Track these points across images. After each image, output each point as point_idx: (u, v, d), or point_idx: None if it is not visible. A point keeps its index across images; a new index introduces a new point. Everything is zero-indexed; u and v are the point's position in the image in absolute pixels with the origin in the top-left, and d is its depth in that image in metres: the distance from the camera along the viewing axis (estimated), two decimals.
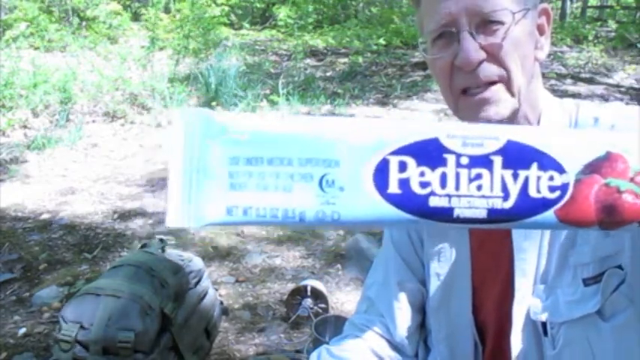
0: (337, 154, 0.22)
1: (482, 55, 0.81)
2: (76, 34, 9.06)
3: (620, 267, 0.82)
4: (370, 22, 9.63)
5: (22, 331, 2.37)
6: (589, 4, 13.61)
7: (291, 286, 2.65)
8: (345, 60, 8.76)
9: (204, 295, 2.15)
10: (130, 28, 9.53)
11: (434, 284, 1.01)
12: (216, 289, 2.38)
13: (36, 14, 8.94)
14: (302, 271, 2.87)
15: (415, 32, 7.93)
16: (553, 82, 7.21)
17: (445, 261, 0.99)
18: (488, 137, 0.23)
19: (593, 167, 0.23)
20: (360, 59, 8.25)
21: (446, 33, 0.82)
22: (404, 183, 0.22)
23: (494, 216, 0.23)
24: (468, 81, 0.83)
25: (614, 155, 0.23)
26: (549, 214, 0.23)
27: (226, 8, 7.75)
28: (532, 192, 0.23)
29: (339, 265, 2.90)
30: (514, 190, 0.23)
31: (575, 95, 6.54)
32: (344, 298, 2.61)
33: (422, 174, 0.23)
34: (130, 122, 5.84)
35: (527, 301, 0.88)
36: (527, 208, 0.23)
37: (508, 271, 0.91)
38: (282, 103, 6.32)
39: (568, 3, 12.50)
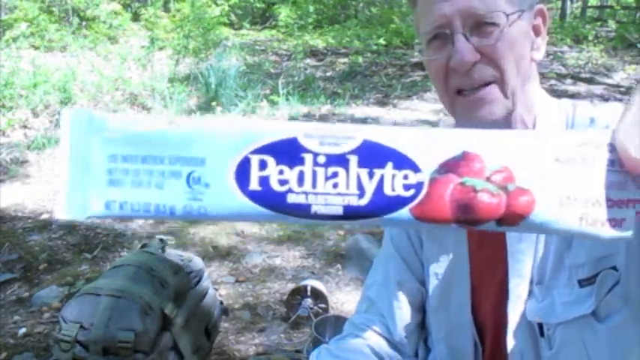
0: (203, 153, 0.24)
1: (477, 56, 0.81)
2: (76, 34, 9.06)
3: (614, 268, 0.82)
4: (370, 22, 9.64)
5: (22, 331, 2.37)
6: (589, 4, 13.61)
7: (291, 286, 2.65)
8: (345, 60, 8.76)
9: (205, 295, 2.15)
10: (130, 28, 9.53)
11: (433, 284, 1.01)
12: (216, 289, 2.38)
13: (36, 14, 8.94)
14: (302, 271, 2.87)
15: (415, 32, 7.93)
16: (553, 82, 7.21)
17: (444, 261, 1.00)
18: (345, 137, 0.24)
19: (450, 166, 0.24)
20: (360, 59, 8.25)
21: (440, 35, 0.83)
22: (264, 180, 0.24)
23: (350, 212, 0.25)
24: (462, 82, 0.83)
25: (471, 155, 0.23)
26: (404, 212, 0.24)
27: (226, 8, 7.74)
28: (387, 190, 0.24)
29: (339, 265, 2.91)
30: (369, 188, 0.24)
31: (575, 95, 6.54)
32: (344, 298, 2.61)
33: (281, 172, 0.24)
34: None
35: (522, 302, 0.88)
36: (383, 206, 0.24)
37: (504, 271, 0.91)
38: (282, 103, 6.32)
39: (568, 3, 12.50)
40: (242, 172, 0.24)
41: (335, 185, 0.24)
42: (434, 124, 5.56)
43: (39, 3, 9.48)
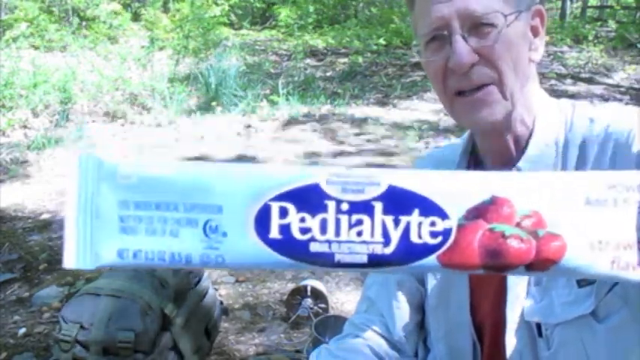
0: (220, 200, 0.23)
1: (475, 57, 0.81)
2: (76, 34, 9.06)
3: None
4: (370, 22, 9.65)
5: (22, 331, 2.37)
6: (589, 4, 13.61)
7: (291, 286, 2.65)
8: (345, 60, 8.76)
9: (204, 295, 2.15)
10: (130, 28, 9.54)
11: (432, 284, 1.01)
12: (216, 289, 2.38)
13: (36, 14, 8.94)
14: (302, 271, 2.87)
15: (413, 33, 7.93)
16: (553, 82, 7.21)
17: None
18: (369, 183, 0.23)
19: (478, 212, 0.23)
20: (360, 59, 8.25)
21: (438, 36, 0.83)
22: (285, 229, 0.22)
23: (375, 261, 0.23)
24: (461, 84, 0.83)
25: (500, 199, 0.22)
26: (432, 259, 0.23)
27: (226, 8, 7.74)
28: (414, 238, 0.22)
29: None
30: (395, 235, 0.23)
31: (575, 95, 6.54)
32: (344, 298, 2.61)
33: (302, 220, 0.23)
34: (130, 122, 5.84)
35: (520, 302, 0.89)
36: (409, 254, 0.22)
37: None
38: (282, 103, 6.32)
39: (568, 3, 12.50)
40: (262, 220, 0.22)
41: (359, 233, 0.23)
42: (434, 124, 5.56)
43: (39, 3, 9.49)
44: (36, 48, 8.36)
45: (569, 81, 7.36)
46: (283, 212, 0.22)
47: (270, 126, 5.75)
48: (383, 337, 1.05)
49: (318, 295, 2.44)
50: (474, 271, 0.25)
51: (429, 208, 0.22)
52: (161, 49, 7.95)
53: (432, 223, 0.23)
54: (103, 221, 0.24)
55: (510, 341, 0.90)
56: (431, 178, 0.24)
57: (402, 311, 1.04)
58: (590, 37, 9.40)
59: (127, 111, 5.98)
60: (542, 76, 6.87)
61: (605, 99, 6.45)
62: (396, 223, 0.22)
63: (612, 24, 10.61)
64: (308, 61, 8.77)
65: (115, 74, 6.54)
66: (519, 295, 0.88)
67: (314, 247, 0.22)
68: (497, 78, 0.82)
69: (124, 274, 1.95)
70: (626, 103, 6.31)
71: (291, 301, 2.46)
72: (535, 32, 0.88)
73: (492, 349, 0.95)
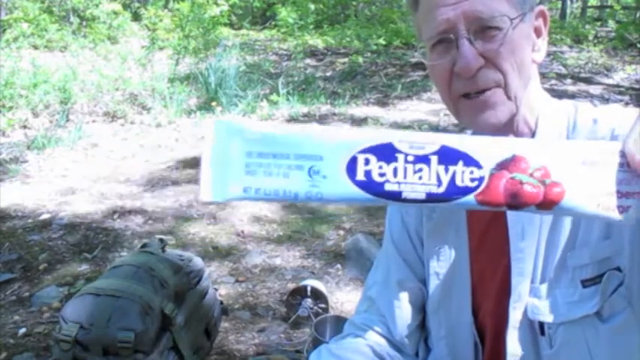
0: (321, 152, 0.31)
1: (481, 61, 0.82)
2: (76, 34, 9.07)
3: (618, 269, 0.83)
4: (370, 22, 9.64)
5: (22, 331, 2.37)
6: (589, 4, 13.61)
7: (291, 286, 2.65)
8: (345, 60, 8.76)
9: (205, 295, 2.15)
10: (129, 28, 9.54)
11: (433, 283, 1.01)
12: (216, 289, 2.37)
13: (36, 14, 8.95)
14: (302, 271, 2.87)
15: (414, 33, 7.93)
16: (553, 82, 7.21)
17: (445, 260, 1.00)
18: (428, 142, 0.31)
19: (503, 165, 0.31)
20: (360, 59, 8.25)
21: (444, 39, 0.83)
22: (367, 173, 0.31)
23: (430, 198, 0.32)
24: (467, 87, 0.84)
25: (519, 157, 0.31)
26: (470, 198, 0.31)
27: (225, 8, 7.74)
28: (458, 182, 0.31)
29: (339, 265, 2.91)
30: (445, 180, 0.31)
31: (575, 95, 6.54)
32: (344, 298, 2.61)
33: (380, 167, 0.31)
34: (130, 122, 5.84)
35: (524, 301, 0.89)
36: (455, 193, 0.31)
37: (505, 270, 0.91)
38: (282, 102, 6.32)
39: (568, 3, 12.50)
40: (351, 167, 0.31)
41: (420, 177, 0.31)
42: (434, 124, 5.56)
43: (39, 3, 9.49)
44: (36, 48, 8.36)
45: (569, 81, 7.35)
46: (367, 161, 0.31)
47: None
48: (384, 336, 1.05)
49: (318, 295, 2.44)
50: (500, 209, 0.33)
51: (470, 161, 0.31)
52: (161, 49, 7.94)
53: (471, 172, 0.31)
54: (233, 167, 0.32)
55: (512, 340, 0.90)
56: (470, 140, 0.32)
57: (403, 311, 1.04)
58: (590, 37, 9.40)
59: (127, 111, 5.98)
60: (542, 76, 6.86)
61: (605, 99, 6.45)
62: (446, 170, 0.31)
63: (612, 24, 10.61)
64: (308, 61, 8.77)
65: (115, 74, 6.54)
66: (522, 294, 0.89)
67: (388, 187, 0.31)
68: (502, 81, 0.83)
69: (123, 274, 1.95)
70: (626, 103, 6.32)
71: (291, 301, 2.46)
72: (538, 33, 0.89)
73: (493, 348, 0.95)
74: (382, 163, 0.30)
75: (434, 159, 0.29)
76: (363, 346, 1.03)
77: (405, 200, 0.30)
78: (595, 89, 6.93)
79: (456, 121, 5.12)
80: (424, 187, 0.30)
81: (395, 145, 0.30)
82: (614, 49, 8.91)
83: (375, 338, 1.05)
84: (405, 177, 0.30)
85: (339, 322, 2.12)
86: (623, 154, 0.32)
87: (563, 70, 7.86)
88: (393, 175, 0.30)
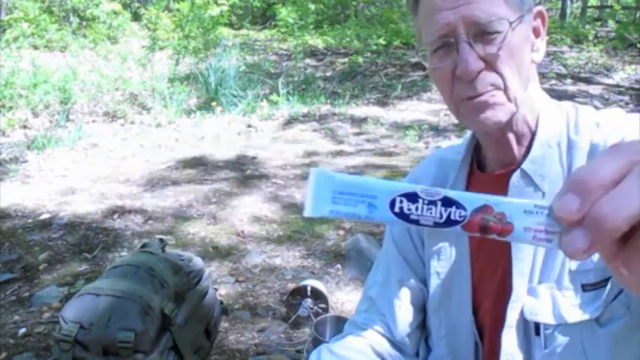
0: (376, 193, 0.48)
1: (481, 64, 0.82)
2: (76, 34, 9.07)
3: None
4: (370, 22, 9.64)
5: (22, 331, 2.37)
6: (589, 4, 13.62)
7: (291, 286, 2.65)
8: (345, 60, 8.76)
9: (205, 295, 2.15)
10: (129, 28, 9.54)
11: (434, 283, 1.02)
12: (216, 289, 2.38)
13: (36, 14, 8.95)
14: (302, 271, 2.87)
15: (414, 35, 7.92)
16: (553, 82, 7.21)
17: (445, 260, 1.00)
18: (436, 193, 0.47)
19: (478, 209, 0.47)
20: (360, 59, 8.25)
21: (445, 43, 0.84)
22: (400, 208, 0.48)
23: (435, 225, 0.48)
24: (468, 91, 0.84)
25: (488, 205, 0.46)
26: (458, 227, 0.47)
27: (225, 8, 7.74)
28: (452, 217, 0.47)
29: (339, 265, 2.91)
30: (444, 215, 0.47)
31: (575, 95, 6.54)
32: (344, 298, 2.61)
33: (408, 205, 0.48)
34: (130, 122, 5.85)
35: (521, 300, 0.89)
36: (450, 224, 0.47)
37: (505, 270, 0.92)
38: (282, 102, 6.32)
39: (568, 3, 12.50)
40: (392, 204, 0.48)
41: (430, 213, 0.48)
42: (434, 124, 5.56)
43: (39, 3, 9.49)
44: (36, 48, 8.37)
45: (569, 81, 7.36)
46: (400, 201, 0.48)
47: (269, 126, 5.76)
48: (384, 336, 1.05)
49: (318, 295, 2.44)
50: (476, 234, 0.47)
51: (459, 206, 0.47)
52: (161, 49, 7.95)
53: (460, 212, 0.47)
54: (324, 197, 0.49)
55: (506, 339, 0.90)
56: (462, 193, 0.47)
57: (404, 310, 1.04)
58: (590, 37, 9.40)
59: (127, 111, 5.98)
60: (542, 76, 6.87)
61: (605, 99, 6.45)
62: (445, 210, 0.47)
63: (612, 24, 10.62)
64: (308, 61, 8.77)
65: (115, 74, 6.54)
66: (521, 294, 0.89)
67: (411, 217, 0.48)
68: (502, 83, 0.84)
69: (124, 274, 1.95)
70: (626, 103, 6.31)
71: (291, 301, 2.46)
72: (536, 33, 0.89)
73: (491, 347, 0.96)
74: (409, 203, 0.47)
75: (439, 203, 0.47)
76: (364, 345, 1.03)
77: (420, 224, 0.48)
78: (595, 89, 6.93)
79: (456, 121, 5.08)
80: (432, 219, 0.47)
81: (417, 193, 0.47)
82: (614, 49, 8.91)
83: (375, 338, 1.05)
84: (421, 212, 0.48)
85: (339, 322, 2.12)
86: (550, 210, 0.46)
87: (563, 70, 7.86)
88: (415, 210, 0.48)
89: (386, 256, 1.10)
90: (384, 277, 1.09)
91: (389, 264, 1.08)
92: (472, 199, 0.46)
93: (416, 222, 0.47)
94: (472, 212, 0.46)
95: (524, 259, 0.89)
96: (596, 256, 0.82)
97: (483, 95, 0.84)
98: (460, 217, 0.46)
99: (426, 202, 0.47)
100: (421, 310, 1.06)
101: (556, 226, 0.44)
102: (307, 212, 0.49)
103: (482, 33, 0.81)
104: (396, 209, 0.47)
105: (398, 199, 0.47)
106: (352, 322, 1.10)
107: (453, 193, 0.46)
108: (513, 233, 0.44)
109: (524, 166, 0.89)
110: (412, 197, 0.46)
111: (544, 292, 0.87)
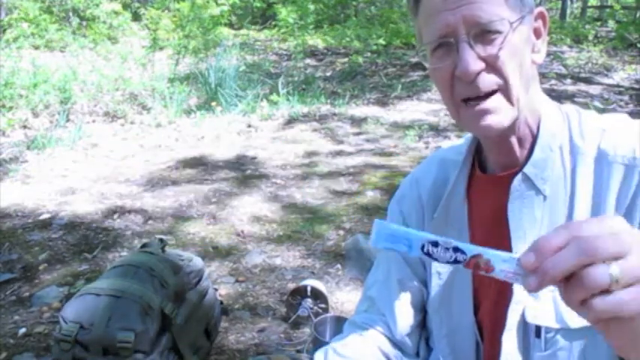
0: (411, 240, 0.65)
1: (481, 65, 0.82)
2: (76, 34, 9.07)
3: None
4: (370, 22, 9.63)
5: (22, 331, 2.37)
6: (589, 4, 13.62)
7: (291, 286, 2.65)
8: (345, 60, 8.76)
9: (204, 295, 2.15)
10: (130, 28, 9.54)
11: (435, 283, 1.02)
12: (216, 289, 2.38)
13: (36, 14, 8.95)
14: (302, 271, 2.87)
15: (414, 35, 7.92)
16: (553, 82, 7.21)
17: None
18: (448, 242, 0.64)
19: (473, 256, 0.63)
20: (360, 59, 8.25)
21: (445, 43, 0.83)
22: (427, 250, 0.64)
23: (447, 262, 0.64)
24: (468, 91, 0.84)
25: (478, 254, 0.63)
26: (461, 265, 0.64)
27: (225, 8, 7.74)
28: (458, 259, 0.63)
29: (339, 265, 2.91)
30: (453, 257, 0.64)
31: (575, 95, 6.55)
32: (344, 298, 2.61)
33: (432, 249, 0.64)
34: (130, 122, 5.85)
35: (522, 303, 0.89)
36: (456, 262, 0.64)
37: None
38: (282, 102, 6.32)
39: (568, 3, 12.51)
40: (423, 247, 0.64)
41: (444, 254, 0.64)
42: (433, 124, 5.56)
43: (39, 3, 9.49)
44: (36, 48, 8.37)
45: (569, 81, 7.36)
46: (426, 246, 0.64)
47: (269, 126, 5.76)
48: (385, 336, 1.05)
49: (318, 295, 2.44)
50: (470, 269, 0.64)
51: (462, 252, 0.64)
52: (161, 49, 7.95)
53: (463, 256, 0.64)
54: (382, 237, 0.66)
55: (507, 341, 0.90)
56: (464, 244, 0.64)
57: (404, 311, 1.04)
58: (590, 37, 9.41)
59: (127, 111, 5.98)
60: (542, 76, 6.87)
61: (604, 99, 6.45)
62: (455, 254, 0.64)
63: (612, 24, 10.62)
64: (308, 61, 8.77)
65: (115, 74, 6.54)
66: (523, 297, 0.89)
67: (434, 255, 0.64)
68: (503, 85, 0.83)
69: (124, 274, 1.95)
70: (626, 103, 6.31)
71: (291, 301, 2.46)
72: (537, 34, 0.89)
73: (491, 348, 0.96)
74: (433, 248, 0.64)
75: (451, 249, 0.63)
76: (369, 344, 1.03)
77: (439, 261, 0.65)
78: (595, 89, 6.93)
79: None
80: (446, 258, 0.64)
81: (439, 242, 0.64)
82: (614, 49, 8.91)
83: (378, 338, 1.05)
84: (440, 254, 0.64)
85: (339, 322, 2.12)
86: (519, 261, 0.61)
87: (563, 70, 7.86)
88: (436, 252, 0.64)
89: (386, 256, 1.10)
90: (384, 278, 1.09)
91: (389, 264, 1.08)
92: (471, 249, 0.63)
93: (436, 259, 0.65)
94: (470, 257, 0.63)
95: None
96: None
97: (484, 101, 0.83)
98: (463, 259, 0.63)
99: (443, 248, 0.64)
100: (421, 310, 1.06)
101: (521, 271, 0.61)
102: (371, 243, 0.69)
103: (483, 33, 0.81)
104: (425, 250, 0.65)
105: (426, 244, 0.65)
106: (352, 322, 1.10)
107: (460, 244, 0.64)
108: (494, 272, 0.62)
109: (526, 169, 0.89)
110: (435, 243, 0.64)
111: (545, 296, 0.87)
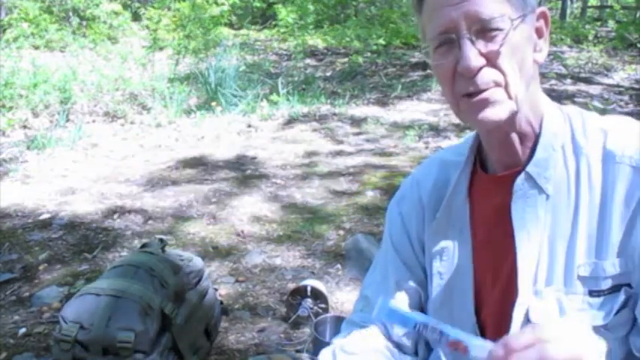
0: (413, 320, 0.75)
1: (482, 61, 0.83)
2: (76, 34, 9.07)
3: (629, 285, 0.84)
4: (370, 22, 9.63)
5: (22, 331, 2.37)
6: (589, 4, 13.62)
7: (291, 286, 2.65)
8: (345, 60, 8.76)
9: (205, 295, 2.15)
10: (130, 28, 9.54)
11: (436, 283, 1.02)
12: (216, 289, 2.38)
13: (36, 14, 8.95)
14: (302, 271, 2.87)
15: (415, 32, 7.93)
16: (553, 82, 7.21)
17: (447, 260, 1.00)
18: (437, 326, 0.73)
19: (455, 341, 0.71)
20: (360, 59, 8.24)
21: (447, 39, 0.84)
22: (419, 330, 0.74)
23: (434, 341, 0.75)
24: (468, 87, 0.85)
25: (460, 340, 0.71)
26: (445, 345, 0.72)
27: (225, 8, 7.74)
28: (442, 340, 0.72)
29: (339, 265, 2.91)
30: (438, 338, 0.72)
31: (575, 95, 6.55)
32: (344, 298, 2.61)
33: (424, 330, 0.74)
34: (130, 122, 5.84)
35: (527, 303, 0.89)
36: (439, 341, 0.72)
37: (509, 272, 0.91)
38: (282, 102, 6.32)
39: (568, 3, 12.51)
40: (415, 326, 0.74)
41: (434, 335, 0.73)
42: (433, 124, 5.56)
43: (39, 3, 9.49)
44: (36, 48, 8.37)
45: (569, 81, 7.36)
46: (421, 327, 0.74)
47: (269, 126, 5.76)
48: (383, 335, 1.05)
49: (318, 295, 2.44)
50: (447, 349, 0.73)
51: (447, 334, 0.72)
52: (161, 49, 7.95)
53: (447, 338, 0.72)
54: (392, 317, 0.78)
55: None
56: (449, 328, 0.73)
57: None
58: (590, 37, 9.41)
59: (127, 111, 5.98)
60: (542, 76, 6.85)
61: (604, 99, 6.45)
62: (440, 336, 0.73)
63: (612, 24, 10.62)
64: (308, 60, 8.77)
65: (115, 74, 6.53)
66: (527, 297, 0.89)
67: (425, 335, 0.74)
68: (504, 80, 0.84)
69: (124, 274, 1.95)
70: (626, 103, 6.31)
71: (291, 301, 2.46)
72: (539, 34, 0.89)
73: None
74: (425, 329, 0.74)
75: (435, 334, 0.73)
76: (373, 342, 1.03)
77: (428, 339, 0.75)
78: (595, 89, 6.93)
79: (456, 121, 5.08)
80: (433, 338, 0.73)
81: (432, 325, 0.73)
82: (614, 49, 8.91)
83: (377, 335, 1.05)
84: (428, 334, 0.73)
85: (339, 322, 2.12)
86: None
87: (563, 70, 7.86)
88: (425, 331, 0.74)
89: (384, 257, 1.10)
90: (382, 278, 1.09)
91: (386, 265, 1.09)
92: (455, 334, 0.73)
93: (425, 337, 0.78)
94: (452, 340, 0.72)
95: (529, 261, 0.89)
96: (609, 267, 0.84)
97: (483, 93, 0.84)
98: (447, 340, 0.72)
99: (432, 329, 0.74)
100: (418, 311, 1.06)
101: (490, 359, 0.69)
102: (373, 315, 0.81)
103: (484, 30, 0.82)
104: (416, 329, 0.75)
105: (419, 325, 0.75)
106: (350, 321, 1.10)
107: (445, 328, 0.74)
108: (469, 355, 0.70)
109: (529, 169, 0.89)
110: (429, 326, 0.74)
111: (550, 295, 0.87)
